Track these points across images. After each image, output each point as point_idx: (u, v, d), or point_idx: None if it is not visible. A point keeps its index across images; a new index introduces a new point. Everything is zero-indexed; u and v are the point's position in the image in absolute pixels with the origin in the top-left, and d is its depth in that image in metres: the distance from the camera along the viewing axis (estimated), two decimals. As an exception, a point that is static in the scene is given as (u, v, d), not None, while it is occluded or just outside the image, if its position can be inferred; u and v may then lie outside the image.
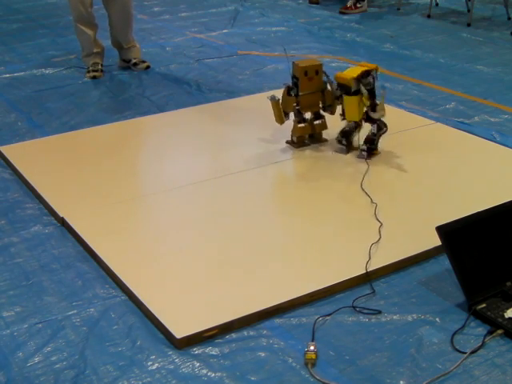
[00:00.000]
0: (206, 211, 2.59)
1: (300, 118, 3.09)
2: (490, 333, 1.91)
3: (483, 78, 4.12)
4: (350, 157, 2.99)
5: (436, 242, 2.06)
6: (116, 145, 3.21)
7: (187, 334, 1.90)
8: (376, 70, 2.89)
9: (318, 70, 3.02)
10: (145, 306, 2.03)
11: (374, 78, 2.88)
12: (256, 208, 2.60)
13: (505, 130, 3.33)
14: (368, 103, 2.87)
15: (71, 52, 4.72)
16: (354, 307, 2.04)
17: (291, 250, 2.32)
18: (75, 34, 4.32)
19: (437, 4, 6.00)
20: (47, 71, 4.38)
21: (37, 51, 4.84)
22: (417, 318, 1.99)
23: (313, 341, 1.89)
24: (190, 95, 3.92)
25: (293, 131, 3.11)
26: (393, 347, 1.88)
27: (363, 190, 2.67)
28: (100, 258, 2.28)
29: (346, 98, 2.89)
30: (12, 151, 3.14)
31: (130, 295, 2.11)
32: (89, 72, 4.25)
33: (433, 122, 3.39)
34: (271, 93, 3.10)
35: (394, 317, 2.00)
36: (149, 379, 1.79)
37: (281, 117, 3.06)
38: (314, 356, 1.82)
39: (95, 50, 4.27)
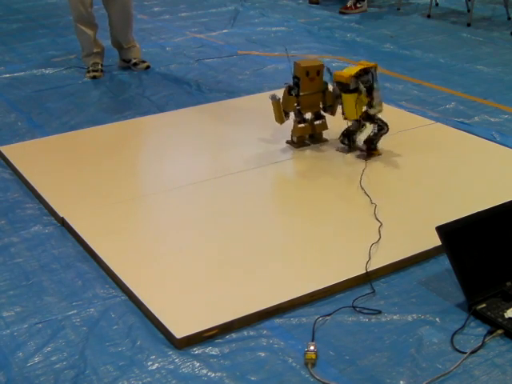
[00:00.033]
0: (205, 211, 2.59)
1: (300, 118, 3.09)
2: (490, 333, 1.91)
3: (483, 78, 4.12)
4: (351, 157, 2.99)
5: (436, 241, 2.06)
6: (116, 145, 3.21)
7: (187, 334, 1.90)
8: (375, 67, 2.89)
9: (319, 70, 3.02)
10: (145, 306, 2.03)
11: (372, 76, 2.88)
12: (256, 208, 2.60)
13: (505, 130, 3.33)
14: (366, 100, 2.87)
15: (71, 52, 4.72)
16: (354, 307, 2.04)
17: (291, 250, 2.32)
18: (75, 34, 4.32)
19: (437, 4, 6.00)
20: (47, 71, 4.38)
21: (37, 51, 4.84)
22: (417, 318, 1.99)
23: (313, 341, 1.89)
24: (189, 95, 3.92)
25: (293, 131, 3.11)
26: (393, 347, 1.88)
27: (362, 188, 2.67)
28: (100, 258, 2.28)
29: (344, 95, 2.90)
30: (12, 151, 3.14)
31: (130, 295, 2.11)
32: (89, 72, 4.25)
33: (433, 122, 3.39)
34: (271, 93, 3.10)
35: (394, 317, 2.00)
36: (149, 379, 1.79)
37: (281, 117, 3.06)
38: (314, 356, 1.82)
39: (95, 50, 4.28)
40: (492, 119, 3.47)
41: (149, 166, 3.00)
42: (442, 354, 1.85)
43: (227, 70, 4.36)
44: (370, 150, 2.97)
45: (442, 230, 2.02)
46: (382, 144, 3.00)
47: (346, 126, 3.01)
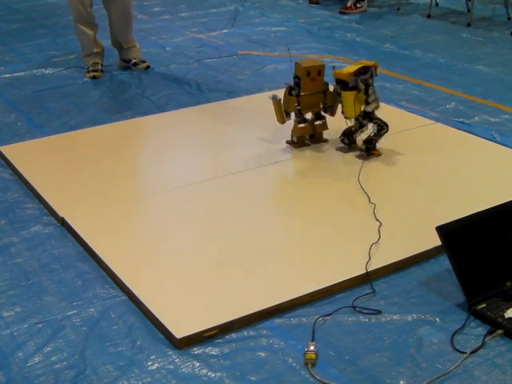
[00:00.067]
0: (206, 211, 2.59)
1: (301, 118, 3.09)
2: (490, 333, 1.91)
3: (483, 78, 4.12)
4: (350, 157, 2.99)
5: (436, 241, 2.06)
6: (116, 145, 3.21)
7: (187, 334, 1.90)
8: (375, 66, 2.89)
9: (320, 70, 3.01)
10: (145, 306, 2.03)
11: (372, 74, 2.88)
12: (256, 208, 2.60)
13: (505, 130, 3.33)
14: (364, 98, 2.88)
15: (71, 52, 4.72)
16: (354, 307, 2.04)
17: (291, 250, 2.32)
18: (75, 34, 4.32)
19: (437, 4, 6.00)
20: (47, 71, 4.38)
21: (37, 51, 4.84)
22: (417, 318, 1.99)
23: (313, 341, 1.89)
24: (189, 95, 3.92)
25: (293, 131, 3.11)
26: (393, 347, 1.88)
27: (361, 187, 2.67)
28: (100, 258, 2.28)
29: (343, 93, 2.90)
30: (12, 151, 3.14)
31: (130, 295, 2.11)
32: (89, 72, 4.25)
33: (433, 122, 3.39)
34: (271, 93, 3.10)
35: (394, 317, 2.00)
36: (149, 379, 1.79)
37: (282, 117, 3.06)
38: (313, 356, 1.82)
39: (95, 50, 4.28)
40: (492, 119, 3.47)
41: (149, 166, 3.00)
42: (442, 353, 1.85)
43: (227, 70, 4.36)
44: (369, 149, 2.97)
45: (442, 230, 2.02)
46: (382, 144, 3.00)
47: (347, 126, 3.01)
